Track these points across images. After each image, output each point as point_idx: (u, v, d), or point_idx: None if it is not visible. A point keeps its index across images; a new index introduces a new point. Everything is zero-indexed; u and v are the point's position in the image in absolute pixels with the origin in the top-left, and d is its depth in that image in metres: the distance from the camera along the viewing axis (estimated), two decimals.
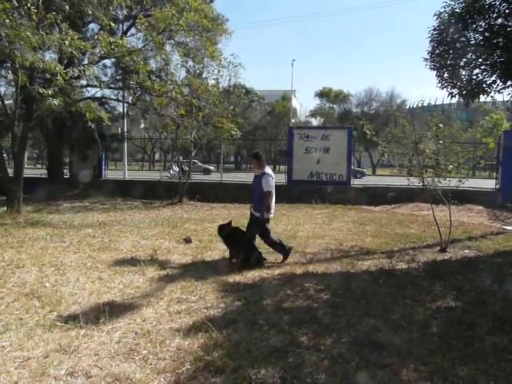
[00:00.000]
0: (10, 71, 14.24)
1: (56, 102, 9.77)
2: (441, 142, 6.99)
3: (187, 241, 7.55)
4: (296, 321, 3.87)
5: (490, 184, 15.15)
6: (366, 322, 3.86)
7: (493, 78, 7.48)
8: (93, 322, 3.81)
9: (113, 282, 5.07)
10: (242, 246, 5.92)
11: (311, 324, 3.81)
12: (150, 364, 3.08)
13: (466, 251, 6.96)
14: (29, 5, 8.18)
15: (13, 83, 13.98)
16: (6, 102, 13.39)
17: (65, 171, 17.86)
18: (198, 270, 5.76)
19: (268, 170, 6.25)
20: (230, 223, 6.41)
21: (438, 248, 7.01)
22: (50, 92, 9.38)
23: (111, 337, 3.53)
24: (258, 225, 6.11)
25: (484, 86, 7.52)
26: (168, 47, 13.78)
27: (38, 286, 4.82)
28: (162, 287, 4.92)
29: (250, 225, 6.22)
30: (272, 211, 6.21)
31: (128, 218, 10.54)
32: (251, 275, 5.41)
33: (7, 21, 7.78)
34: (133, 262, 6.05)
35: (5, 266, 5.69)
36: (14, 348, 3.31)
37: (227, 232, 6.24)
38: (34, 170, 23.31)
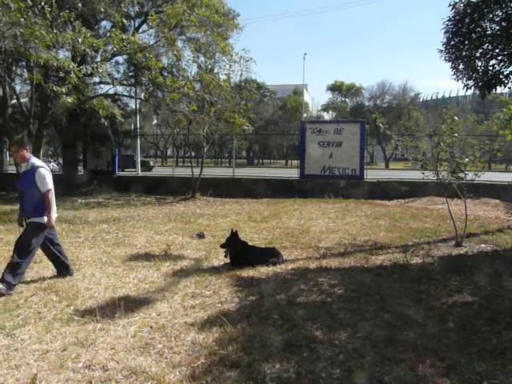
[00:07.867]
0: (25, 69, 14.48)
1: (70, 99, 9.93)
2: (456, 134, 6.87)
3: (200, 236, 7.59)
4: (310, 315, 3.86)
5: (506, 177, 14.86)
6: (380, 317, 3.84)
7: (510, 69, 7.29)
8: (109, 316, 3.87)
9: (128, 277, 5.14)
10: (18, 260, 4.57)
11: (325, 319, 3.80)
12: (166, 358, 3.11)
13: (483, 245, 6.85)
14: (43, 3, 8.29)
15: (28, 81, 14.24)
16: (22, 101, 13.63)
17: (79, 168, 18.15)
18: (211, 264, 5.80)
19: (36, 160, 4.83)
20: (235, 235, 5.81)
21: (454, 242, 6.91)
22: (64, 90, 9.52)
23: (127, 331, 3.58)
24: (42, 231, 4.74)
25: (501, 76, 7.33)
26: (179, 43, 13.89)
27: (55, 281, 4.90)
28: (177, 282, 4.96)
29: (30, 234, 4.69)
30: (55, 213, 4.82)
31: (142, 214, 10.64)
32: (265, 270, 5.42)
33: (22, 20, 7.91)
34: (147, 257, 6.12)
35: None
36: (33, 341, 3.39)
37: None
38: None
